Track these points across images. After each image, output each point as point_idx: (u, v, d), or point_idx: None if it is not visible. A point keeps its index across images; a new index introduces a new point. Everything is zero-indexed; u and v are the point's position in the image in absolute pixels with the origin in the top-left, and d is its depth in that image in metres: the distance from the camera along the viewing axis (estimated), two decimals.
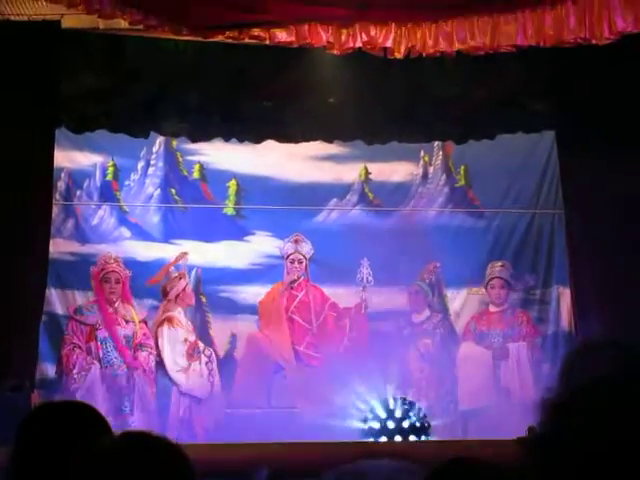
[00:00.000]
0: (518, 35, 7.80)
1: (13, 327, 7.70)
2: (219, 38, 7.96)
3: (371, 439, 6.79)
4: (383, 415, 6.84)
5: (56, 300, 9.43)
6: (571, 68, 8.72)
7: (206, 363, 9.26)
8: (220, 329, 9.49)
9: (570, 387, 1.57)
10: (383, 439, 6.75)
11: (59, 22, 8.41)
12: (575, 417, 1.48)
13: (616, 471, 1.42)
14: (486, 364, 9.10)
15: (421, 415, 6.86)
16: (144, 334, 9.15)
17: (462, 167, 10.33)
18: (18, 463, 2.52)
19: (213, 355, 9.35)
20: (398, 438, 6.72)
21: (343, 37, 7.86)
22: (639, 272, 8.53)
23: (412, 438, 6.73)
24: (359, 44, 7.89)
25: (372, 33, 7.86)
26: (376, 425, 6.78)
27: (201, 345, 9.35)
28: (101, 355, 8.96)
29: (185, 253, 9.65)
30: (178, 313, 9.35)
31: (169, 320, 9.31)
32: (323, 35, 7.85)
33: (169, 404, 9.11)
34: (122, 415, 8.71)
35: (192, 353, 9.23)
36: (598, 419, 1.46)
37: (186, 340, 9.26)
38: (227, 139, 9.60)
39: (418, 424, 6.76)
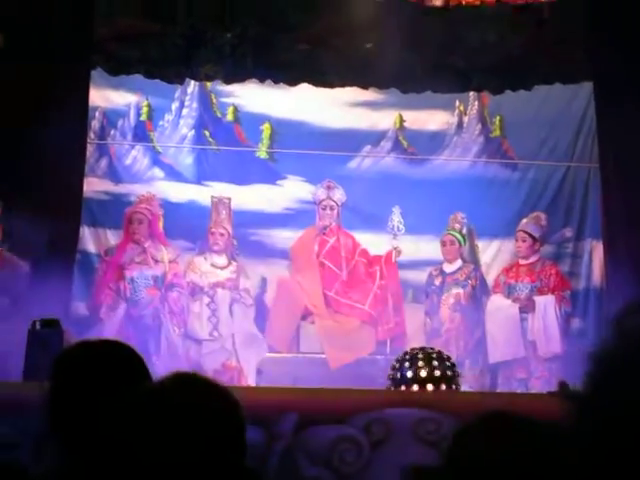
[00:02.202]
0: None
1: (48, 265, 7.73)
2: None
3: (399, 387, 6.79)
4: (412, 364, 6.82)
5: (89, 239, 9.49)
6: (610, 18, 8.57)
7: (207, 304, 9.21)
8: (250, 273, 9.47)
9: (624, 341, 1.51)
10: (412, 388, 6.75)
11: None
12: (631, 373, 1.43)
13: None
14: (514, 317, 9.03)
15: (450, 365, 6.84)
16: (175, 274, 9.14)
17: (497, 117, 10.24)
18: (55, 400, 2.51)
19: (218, 297, 9.15)
20: (426, 387, 6.71)
21: None
22: None
23: (440, 388, 6.71)
24: None
25: None
26: (405, 373, 6.78)
27: (206, 287, 9.19)
28: (128, 295, 8.99)
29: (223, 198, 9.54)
30: (204, 259, 9.30)
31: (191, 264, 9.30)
32: None
33: (194, 345, 9.09)
34: (147, 356, 8.68)
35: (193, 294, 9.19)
36: None
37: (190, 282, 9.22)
38: (262, 81, 9.57)
39: (447, 374, 6.75)
